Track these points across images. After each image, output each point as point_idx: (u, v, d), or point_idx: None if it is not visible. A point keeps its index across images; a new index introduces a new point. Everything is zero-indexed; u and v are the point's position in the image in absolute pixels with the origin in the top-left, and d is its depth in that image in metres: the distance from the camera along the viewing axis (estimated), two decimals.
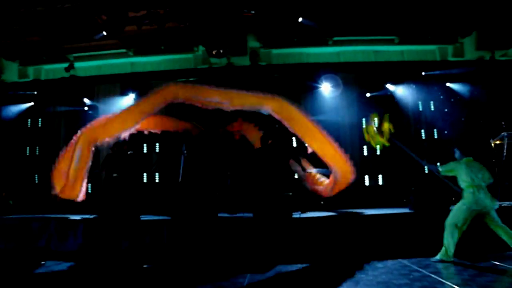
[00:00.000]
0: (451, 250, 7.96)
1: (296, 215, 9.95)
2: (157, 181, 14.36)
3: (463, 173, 8.34)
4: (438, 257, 8.02)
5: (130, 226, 9.53)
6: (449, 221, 8.14)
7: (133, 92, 14.07)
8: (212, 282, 6.84)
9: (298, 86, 13.97)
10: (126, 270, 8.13)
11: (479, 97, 13.46)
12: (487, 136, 12.41)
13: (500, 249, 8.70)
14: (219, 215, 10.27)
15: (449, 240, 8.01)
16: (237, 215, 10.64)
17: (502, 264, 7.42)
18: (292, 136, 12.40)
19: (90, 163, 10.68)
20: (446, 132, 13.62)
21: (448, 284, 6.11)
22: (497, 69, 13.47)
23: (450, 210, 9.71)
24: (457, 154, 8.85)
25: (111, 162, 10.56)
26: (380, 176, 13.75)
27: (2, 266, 8.78)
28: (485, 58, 13.77)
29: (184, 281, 7.17)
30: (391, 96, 13.82)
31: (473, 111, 13.61)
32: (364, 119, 14.00)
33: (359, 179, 13.73)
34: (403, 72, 13.74)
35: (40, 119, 15.09)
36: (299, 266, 8.05)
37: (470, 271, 6.96)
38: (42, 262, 8.95)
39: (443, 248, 8.04)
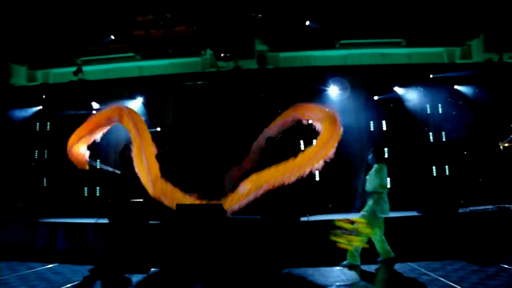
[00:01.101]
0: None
1: (304, 218, 9.96)
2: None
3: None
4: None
5: (138, 229, 9.54)
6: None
7: (141, 96, 14.09)
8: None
9: (306, 89, 13.95)
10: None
11: (488, 100, 13.39)
12: (496, 139, 12.38)
13: (510, 252, 8.70)
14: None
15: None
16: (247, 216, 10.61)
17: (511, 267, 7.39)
18: None
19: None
20: (454, 135, 13.56)
21: None
22: (505, 71, 13.40)
23: (458, 213, 9.78)
24: (370, 157, 9.00)
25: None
26: (388, 179, 13.70)
27: None
28: (493, 60, 13.71)
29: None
30: (399, 99, 13.77)
31: (481, 113, 13.54)
32: (371, 122, 13.97)
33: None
34: (410, 74, 13.68)
35: (48, 123, 15.10)
36: (307, 269, 8.06)
37: (480, 275, 6.94)
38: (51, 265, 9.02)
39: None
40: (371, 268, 8.03)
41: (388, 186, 8.85)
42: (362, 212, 8.55)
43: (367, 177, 8.86)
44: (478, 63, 13.84)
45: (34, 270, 8.71)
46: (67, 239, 10.33)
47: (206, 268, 8.41)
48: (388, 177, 8.71)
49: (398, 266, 7.98)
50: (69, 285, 7.24)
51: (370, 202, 8.51)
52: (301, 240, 9.27)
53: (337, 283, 6.76)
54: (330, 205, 12.72)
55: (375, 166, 8.78)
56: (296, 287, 6.68)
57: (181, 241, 9.10)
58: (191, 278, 7.85)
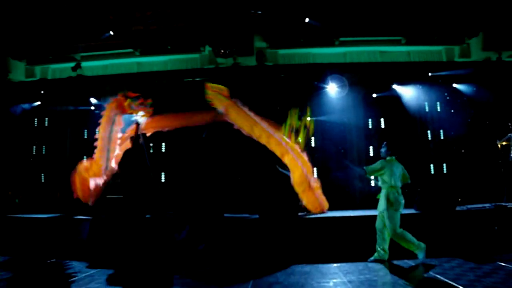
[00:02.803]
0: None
1: (301, 215, 9.97)
2: (163, 180, 14.34)
3: (387, 173, 8.35)
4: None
5: (136, 225, 9.54)
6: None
7: (139, 92, 14.06)
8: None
9: (304, 87, 13.94)
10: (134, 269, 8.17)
11: (486, 98, 13.41)
12: (494, 137, 12.40)
13: (506, 250, 8.71)
14: (225, 215, 10.28)
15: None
16: (244, 215, 10.62)
17: (508, 265, 7.40)
18: None
19: None
20: (452, 133, 13.60)
21: (454, 285, 6.11)
22: (504, 70, 13.41)
23: (455, 211, 9.78)
24: (383, 150, 8.66)
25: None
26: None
27: None
28: (492, 59, 13.72)
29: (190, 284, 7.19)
30: (398, 96, 13.78)
31: (479, 112, 13.57)
32: (370, 120, 14.00)
33: (366, 180, 13.72)
34: (409, 72, 13.69)
35: (46, 119, 15.11)
36: (304, 266, 8.06)
37: (477, 272, 6.95)
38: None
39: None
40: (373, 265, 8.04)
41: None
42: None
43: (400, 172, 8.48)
44: (477, 62, 13.87)
45: (32, 265, 8.71)
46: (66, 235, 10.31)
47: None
48: None
49: (395, 264, 7.99)
50: (68, 281, 7.25)
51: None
52: (299, 237, 9.28)
53: (334, 280, 6.77)
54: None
55: (391, 158, 8.61)
56: (293, 283, 6.68)
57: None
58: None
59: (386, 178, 8.32)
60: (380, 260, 8.28)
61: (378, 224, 8.46)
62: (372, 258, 8.38)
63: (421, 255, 8.07)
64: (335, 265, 8.07)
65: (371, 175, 8.67)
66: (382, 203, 8.35)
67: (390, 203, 8.17)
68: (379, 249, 8.39)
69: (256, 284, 6.71)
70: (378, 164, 8.47)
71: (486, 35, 13.77)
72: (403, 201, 8.27)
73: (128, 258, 8.85)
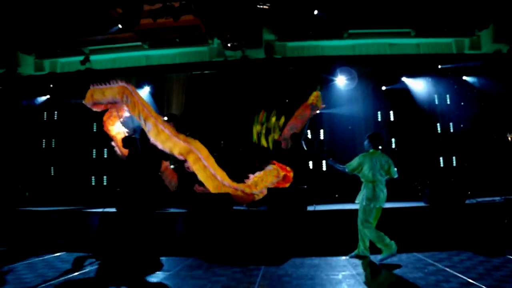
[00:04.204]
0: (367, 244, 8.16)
1: (310, 208, 9.94)
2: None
3: (366, 167, 8.11)
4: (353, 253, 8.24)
5: (146, 218, 9.56)
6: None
7: (148, 85, 14.10)
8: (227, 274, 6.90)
9: (313, 79, 13.90)
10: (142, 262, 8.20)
11: (496, 91, 13.32)
12: (504, 130, 12.31)
13: None
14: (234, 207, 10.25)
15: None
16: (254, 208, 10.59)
17: None
18: None
19: None
20: (462, 125, 13.52)
21: (463, 278, 6.09)
22: None
23: (465, 204, 9.72)
24: (365, 143, 8.44)
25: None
26: (395, 169, 13.67)
27: None
28: (502, 51, 13.62)
29: (200, 273, 7.19)
30: (407, 89, 13.72)
31: (489, 104, 13.49)
32: (379, 112, 13.95)
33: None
34: (418, 65, 13.63)
35: (56, 112, 15.18)
36: (313, 258, 8.06)
37: (486, 265, 6.92)
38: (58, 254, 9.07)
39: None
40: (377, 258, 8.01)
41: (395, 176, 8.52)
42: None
43: (383, 164, 8.16)
44: (487, 54, 13.79)
45: (42, 258, 8.75)
46: (75, 228, 10.34)
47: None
48: (396, 167, 8.49)
49: (404, 257, 7.96)
50: (76, 273, 7.27)
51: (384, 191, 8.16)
52: (308, 229, 9.27)
53: (343, 273, 6.77)
54: (336, 195, 12.72)
55: (373, 151, 8.38)
56: (302, 276, 6.68)
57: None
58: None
59: (366, 172, 8.15)
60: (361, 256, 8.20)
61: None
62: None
63: (385, 254, 7.64)
64: (344, 258, 8.08)
65: (352, 173, 8.45)
66: (359, 196, 8.23)
67: (367, 198, 8.02)
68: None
69: (264, 276, 6.71)
70: (355, 161, 8.28)
71: (497, 27, 13.68)
72: (382, 195, 8.00)
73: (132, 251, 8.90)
